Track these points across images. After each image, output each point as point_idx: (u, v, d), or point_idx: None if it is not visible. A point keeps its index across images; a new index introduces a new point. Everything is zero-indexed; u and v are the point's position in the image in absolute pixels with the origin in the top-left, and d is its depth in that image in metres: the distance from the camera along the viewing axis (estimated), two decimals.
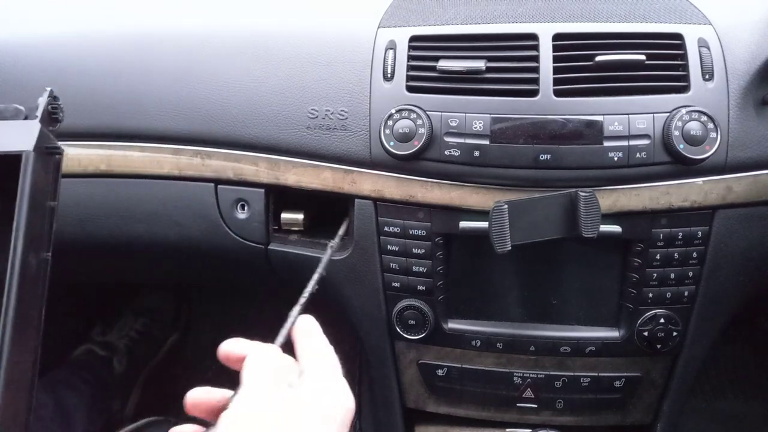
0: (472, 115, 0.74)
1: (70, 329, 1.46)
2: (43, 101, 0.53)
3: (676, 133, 0.71)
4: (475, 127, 0.74)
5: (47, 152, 0.52)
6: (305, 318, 0.57)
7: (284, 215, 0.89)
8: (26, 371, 0.48)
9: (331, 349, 0.53)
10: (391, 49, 0.79)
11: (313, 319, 0.56)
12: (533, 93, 0.73)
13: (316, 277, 0.66)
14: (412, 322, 0.84)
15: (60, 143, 0.55)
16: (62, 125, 0.56)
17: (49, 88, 0.54)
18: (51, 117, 0.54)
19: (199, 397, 0.50)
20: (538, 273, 0.84)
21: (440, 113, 0.75)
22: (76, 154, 0.88)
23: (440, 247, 0.81)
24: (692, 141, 0.71)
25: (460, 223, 0.78)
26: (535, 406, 0.89)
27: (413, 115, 0.74)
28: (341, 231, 0.82)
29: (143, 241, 0.91)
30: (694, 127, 0.71)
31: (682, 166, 0.74)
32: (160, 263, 1.06)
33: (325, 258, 0.71)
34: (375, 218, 0.81)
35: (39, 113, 0.51)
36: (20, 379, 0.46)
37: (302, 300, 0.60)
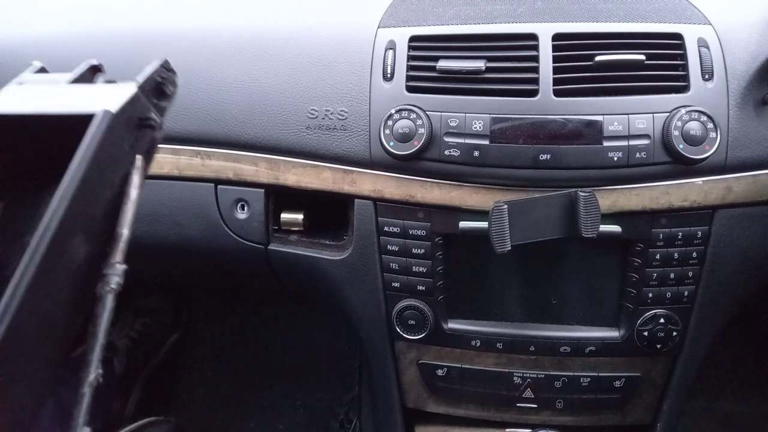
0: (472, 115, 0.74)
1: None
2: (150, 68, 0.45)
3: (676, 133, 0.71)
4: (475, 127, 0.74)
5: (137, 123, 0.42)
6: None
7: (284, 215, 0.89)
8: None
9: None
10: (391, 49, 0.79)
11: None
12: (533, 93, 0.73)
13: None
14: (412, 322, 0.84)
15: None
16: None
17: (164, 58, 0.47)
18: (157, 87, 0.46)
19: None
20: (538, 273, 0.84)
21: (440, 113, 0.75)
22: None
23: (440, 247, 0.81)
24: (692, 141, 0.71)
25: (460, 223, 0.78)
26: (535, 406, 0.89)
27: (413, 115, 0.74)
28: None
29: (143, 242, 0.91)
30: (694, 127, 0.71)
31: (682, 166, 0.73)
32: (160, 263, 1.06)
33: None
34: (375, 218, 0.81)
35: (141, 79, 0.43)
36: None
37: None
